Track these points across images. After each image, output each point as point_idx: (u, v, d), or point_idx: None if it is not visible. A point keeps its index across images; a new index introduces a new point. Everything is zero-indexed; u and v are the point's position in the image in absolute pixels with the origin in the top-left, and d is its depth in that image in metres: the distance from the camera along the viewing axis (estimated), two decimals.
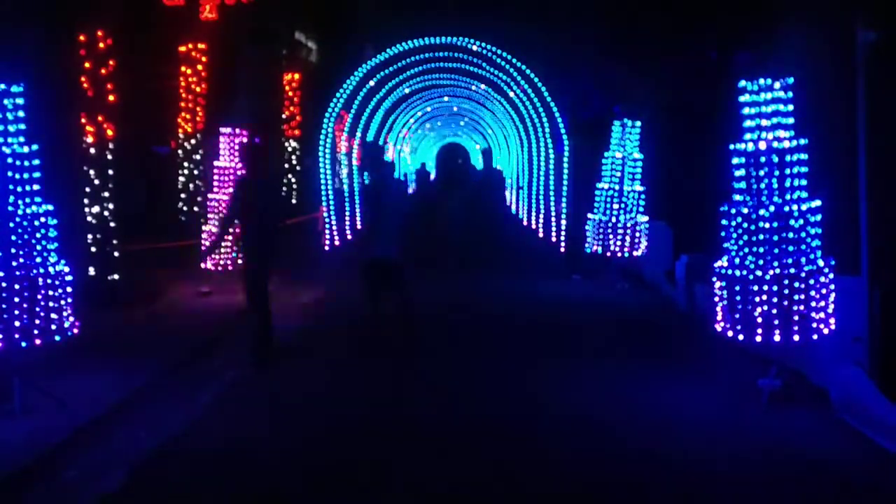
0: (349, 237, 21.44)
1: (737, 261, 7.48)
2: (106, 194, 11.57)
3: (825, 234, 7.51)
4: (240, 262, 9.63)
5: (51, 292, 7.08)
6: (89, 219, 11.52)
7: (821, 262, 7.40)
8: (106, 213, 11.57)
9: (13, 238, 6.97)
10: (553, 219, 18.88)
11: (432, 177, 42.18)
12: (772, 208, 7.35)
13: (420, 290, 13.43)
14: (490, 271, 16.33)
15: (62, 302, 7.20)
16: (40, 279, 7.02)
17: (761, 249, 7.35)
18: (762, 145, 7.43)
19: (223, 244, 13.16)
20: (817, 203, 7.46)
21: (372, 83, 21.44)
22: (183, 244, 14.36)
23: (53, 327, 7.11)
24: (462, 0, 26.61)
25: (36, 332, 7.01)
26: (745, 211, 7.44)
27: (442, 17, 24.59)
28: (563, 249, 16.61)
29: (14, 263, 6.95)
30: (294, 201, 23.29)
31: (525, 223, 25.68)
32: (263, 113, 20.94)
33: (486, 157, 29.92)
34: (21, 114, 7.16)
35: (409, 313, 9.77)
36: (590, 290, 13.96)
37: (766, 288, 7.28)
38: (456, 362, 9.21)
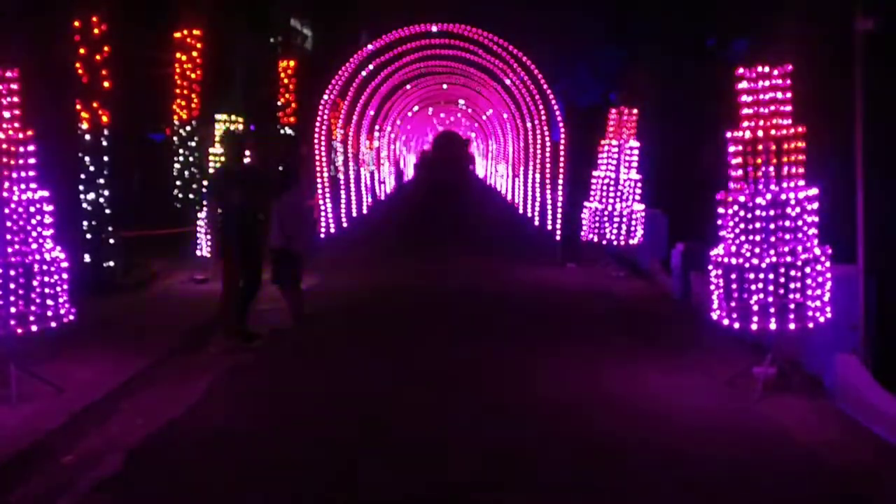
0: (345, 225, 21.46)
1: (733, 249, 7.48)
2: (101, 181, 11.53)
3: (822, 223, 7.51)
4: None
5: (46, 279, 7.06)
6: (84, 205, 11.49)
7: (817, 251, 7.40)
8: (101, 200, 11.54)
9: (8, 224, 6.94)
10: (549, 207, 18.87)
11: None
12: (769, 196, 7.34)
13: (416, 270, 13.39)
14: (486, 258, 16.33)
15: (58, 288, 7.18)
16: (36, 266, 7.00)
17: (758, 237, 7.35)
18: (760, 133, 7.43)
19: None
20: (814, 191, 7.45)
21: (367, 71, 21.40)
22: (178, 231, 14.34)
23: (49, 314, 7.09)
24: None
25: (32, 318, 6.99)
26: (742, 199, 7.43)
27: (437, 5, 24.51)
28: (558, 237, 16.61)
29: (9, 250, 6.93)
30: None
31: (521, 211, 25.66)
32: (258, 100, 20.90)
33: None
34: (16, 99, 7.13)
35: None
36: (585, 277, 13.96)
37: (762, 276, 7.28)
38: (456, 345, 9.22)
